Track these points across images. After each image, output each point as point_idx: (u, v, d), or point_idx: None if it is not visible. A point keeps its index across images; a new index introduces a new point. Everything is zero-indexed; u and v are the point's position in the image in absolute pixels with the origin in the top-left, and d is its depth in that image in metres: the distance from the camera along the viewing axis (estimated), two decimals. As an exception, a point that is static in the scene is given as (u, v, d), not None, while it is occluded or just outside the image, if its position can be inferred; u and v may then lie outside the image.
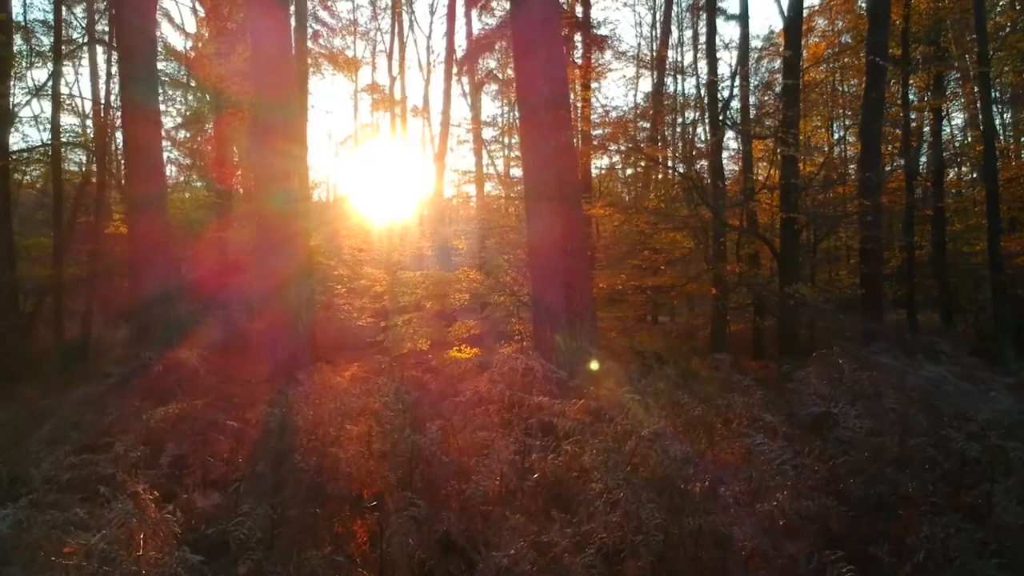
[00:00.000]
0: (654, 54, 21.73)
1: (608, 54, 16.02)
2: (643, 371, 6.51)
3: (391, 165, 20.16)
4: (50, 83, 12.08)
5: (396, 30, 20.48)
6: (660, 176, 20.14)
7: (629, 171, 24.39)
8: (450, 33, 14.85)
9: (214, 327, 10.64)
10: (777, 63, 13.85)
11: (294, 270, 6.80)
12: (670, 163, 9.57)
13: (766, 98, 10.37)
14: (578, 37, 15.10)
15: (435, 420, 4.18)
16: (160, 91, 11.23)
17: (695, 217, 9.64)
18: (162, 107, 11.99)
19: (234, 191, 15.64)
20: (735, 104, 10.85)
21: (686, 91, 22.66)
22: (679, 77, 22.93)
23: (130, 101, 7.81)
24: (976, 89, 15.62)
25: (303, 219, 8.06)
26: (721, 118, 9.33)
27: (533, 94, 7.60)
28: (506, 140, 23.02)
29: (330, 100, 65.12)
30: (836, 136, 20.80)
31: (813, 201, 9.46)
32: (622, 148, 9.47)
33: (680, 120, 21.50)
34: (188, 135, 15.19)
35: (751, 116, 10.41)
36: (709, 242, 10.16)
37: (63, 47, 12.58)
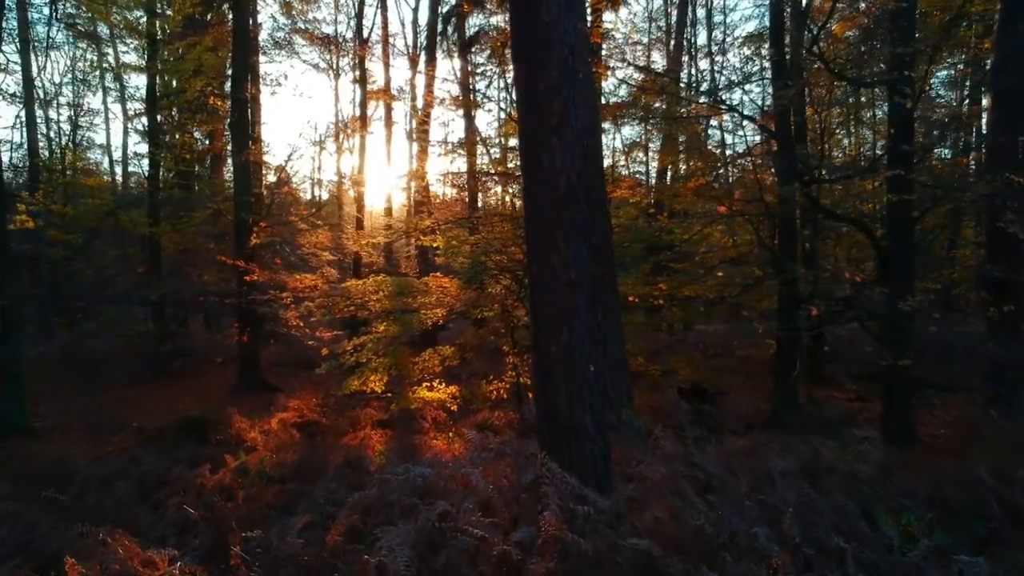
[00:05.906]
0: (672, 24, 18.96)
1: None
2: (729, 470, 3.76)
3: (375, 156, 17.88)
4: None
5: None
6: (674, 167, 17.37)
7: (638, 158, 21.64)
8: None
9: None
10: None
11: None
12: (746, 112, 6.76)
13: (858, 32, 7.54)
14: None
15: None
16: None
17: (759, 201, 6.90)
18: None
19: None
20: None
21: (699, 73, 19.78)
22: (695, 55, 20.03)
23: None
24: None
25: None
26: (806, 54, 6.47)
27: (543, 110, 4.82)
28: (500, 122, 20.20)
29: (318, 92, 62.58)
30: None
31: (935, 175, 6.67)
32: (660, 106, 6.64)
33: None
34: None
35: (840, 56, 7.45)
36: (774, 235, 7.42)
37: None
